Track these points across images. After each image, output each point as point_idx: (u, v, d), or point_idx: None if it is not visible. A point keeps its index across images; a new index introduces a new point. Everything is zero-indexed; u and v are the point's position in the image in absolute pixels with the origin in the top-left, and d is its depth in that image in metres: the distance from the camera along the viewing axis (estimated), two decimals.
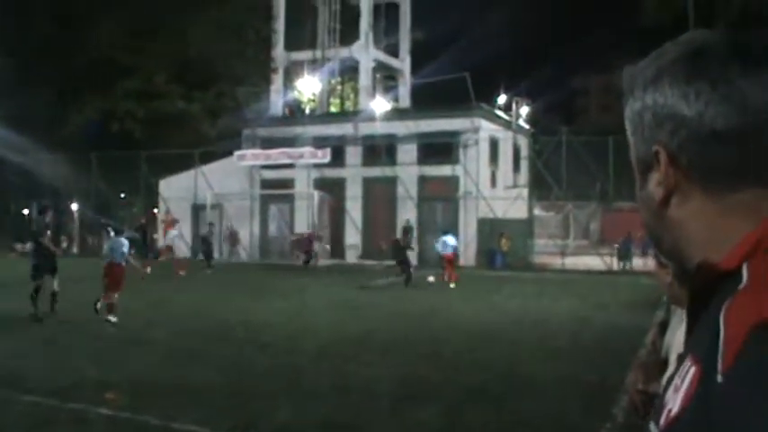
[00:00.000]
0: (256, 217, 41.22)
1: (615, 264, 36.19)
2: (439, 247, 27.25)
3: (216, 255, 34.44)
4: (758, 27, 1.01)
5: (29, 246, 22.02)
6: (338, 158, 38.53)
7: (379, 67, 45.77)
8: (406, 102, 46.78)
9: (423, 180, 37.86)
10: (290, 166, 39.34)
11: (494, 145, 39.45)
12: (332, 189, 39.12)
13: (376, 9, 44.44)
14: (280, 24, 45.23)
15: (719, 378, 0.82)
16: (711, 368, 0.83)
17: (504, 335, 15.28)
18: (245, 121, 42.93)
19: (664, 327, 3.52)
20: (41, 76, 42.42)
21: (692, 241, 0.98)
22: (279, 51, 45.42)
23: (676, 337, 3.09)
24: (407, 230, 29.77)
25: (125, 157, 42.30)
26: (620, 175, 35.79)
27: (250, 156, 40.30)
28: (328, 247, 37.97)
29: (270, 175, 40.57)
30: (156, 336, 14.65)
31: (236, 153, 40.50)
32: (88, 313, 16.87)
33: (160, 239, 43.14)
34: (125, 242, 17.73)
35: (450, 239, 27.33)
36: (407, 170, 37.84)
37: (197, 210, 42.00)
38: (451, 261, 26.87)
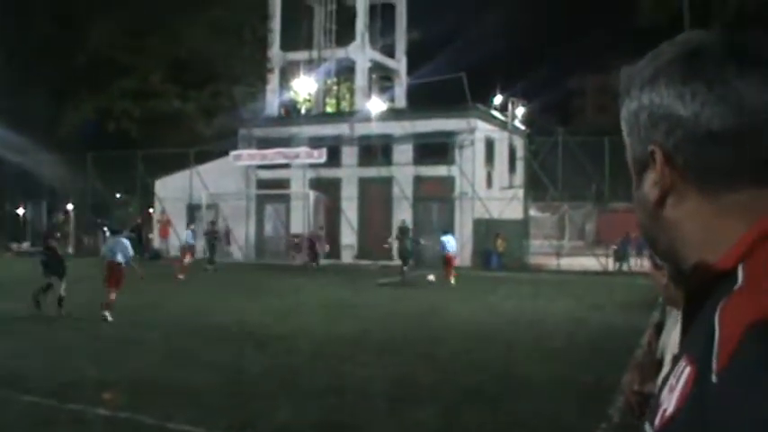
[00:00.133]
0: (252, 217, 41.20)
1: (611, 264, 36.20)
2: (448, 246, 27.58)
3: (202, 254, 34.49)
4: (754, 28, 1.01)
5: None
6: (334, 159, 38.52)
7: (375, 67, 45.80)
8: (401, 102, 46.80)
9: (418, 180, 37.87)
10: (286, 166, 39.34)
11: (489, 145, 39.47)
12: (328, 189, 39.11)
13: (372, 9, 44.46)
14: (276, 24, 45.23)
15: (714, 378, 0.82)
16: (706, 368, 0.84)
17: (500, 335, 15.28)
18: (240, 120, 42.92)
19: (659, 328, 3.52)
20: (37, 75, 42.37)
21: (687, 242, 0.98)
22: (275, 51, 45.42)
23: (672, 338, 3.09)
24: (404, 231, 29.86)
25: (121, 157, 42.26)
26: (615, 176, 35.79)
27: (246, 156, 40.29)
28: (327, 247, 37.96)
29: (266, 175, 40.55)
30: (153, 336, 14.64)
31: (232, 153, 40.49)
32: (86, 313, 16.88)
33: (155, 239, 43.19)
34: (126, 242, 17.90)
35: (451, 240, 27.90)
36: (403, 170, 37.86)
37: (192, 210, 41.95)
38: (451, 260, 27.30)
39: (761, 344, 0.80)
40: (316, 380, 10.74)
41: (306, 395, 9.83)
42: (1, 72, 40.08)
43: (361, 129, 38.60)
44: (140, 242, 35.72)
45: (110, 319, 16.32)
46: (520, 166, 43.30)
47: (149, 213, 45.65)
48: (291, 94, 48.53)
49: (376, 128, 37.92)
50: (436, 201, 37.54)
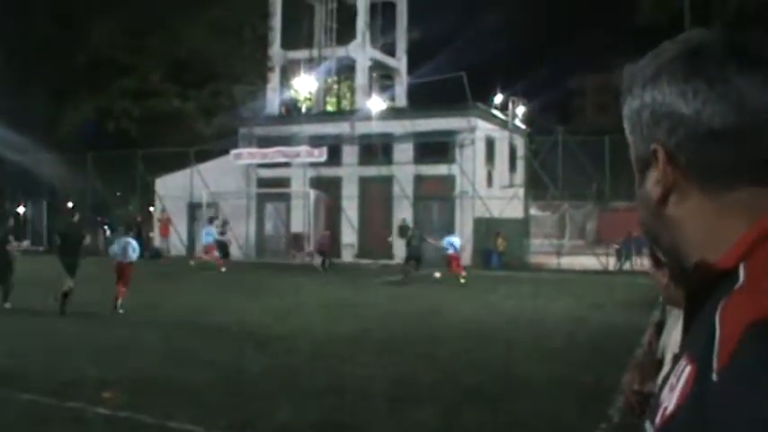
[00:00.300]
0: (252, 216, 41.19)
1: (611, 263, 36.19)
2: (455, 244, 28.04)
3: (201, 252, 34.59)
4: (754, 27, 1.01)
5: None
6: (334, 157, 38.50)
7: (376, 66, 45.76)
8: (402, 101, 46.76)
9: (419, 179, 37.85)
10: (287, 164, 39.32)
11: (490, 144, 39.47)
12: (328, 188, 39.10)
13: (372, 8, 44.41)
14: (276, 23, 45.19)
15: (715, 377, 0.82)
16: (707, 367, 0.84)
17: (501, 335, 15.29)
18: (241, 119, 42.90)
19: (660, 327, 3.52)
20: (37, 75, 42.37)
21: (689, 240, 0.98)
22: (275, 50, 45.38)
23: (672, 337, 3.09)
24: (404, 230, 30.05)
25: (121, 156, 42.27)
26: (616, 175, 35.77)
27: (246, 154, 40.28)
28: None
29: (266, 173, 40.55)
30: (153, 335, 14.65)
31: (233, 152, 40.48)
32: (86, 312, 16.90)
33: (156, 238, 43.18)
34: (133, 241, 18.59)
35: (455, 239, 28.40)
36: (404, 169, 37.85)
37: (193, 208, 42.00)
38: (457, 259, 27.74)
39: (761, 343, 0.80)
40: (316, 379, 10.75)
41: (306, 395, 9.84)
42: (1, 72, 40.07)
43: (361, 127, 38.59)
44: (140, 241, 35.71)
45: (121, 311, 17.32)
46: (520, 165, 43.29)
47: (149, 212, 45.64)
48: (292, 93, 48.50)
49: (376, 127, 37.90)
50: (437, 200, 37.53)
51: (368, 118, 38.34)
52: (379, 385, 10.41)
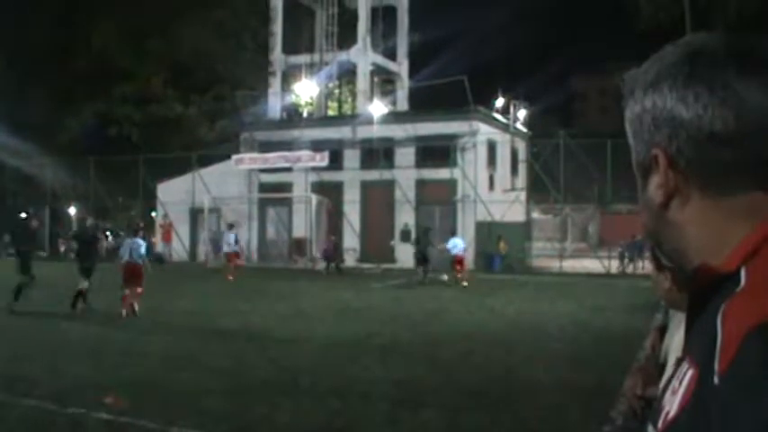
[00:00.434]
0: (254, 220, 41.22)
1: (614, 267, 36.19)
2: (458, 247, 28.76)
3: (202, 257, 34.72)
4: (754, 30, 1.01)
5: (74, 245, 22.73)
6: (336, 162, 38.55)
7: (377, 70, 45.79)
8: (403, 105, 46.80)
9: (421, 183, 37.88)
10: (288, 169, 39.34)
11: (491, 148, 39.48)
12: (330, 192, 39.13)
13: (373, 12, 44.46)
14: (277, 28, 45.25)
15: (716, 380, 0.82)
16: (708, 370, 0.84)
17: (502, 338, 15.28)
18: (242, 124, 42.96)
19: (663, 330, 3.51)
20: (39, 80, 42.44)
21: (691, 244, 0.99)
22: (277, 55, 45.44)
23: (675, 341, 3.09)
24: (424, 235, 30.81)
25: (123, 161, 42.33)
26: (617, 178, 35.78)
27: (248, 159, 40.31)
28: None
29: (268, 178, 40.58)
30: (156, 339, 14.65)
31: (234, 157, 40.52)
32: (88, 317, 16.91)
33: (158, 244, 43.19)
34: (142, 243, 19.06)
35: (459, 242, 29.03)
36: (405, 173, 37.87)
37: (195, 213, 42.04)
38: (462, 262, 28.48)
39: (762, 346, 0.80)
40: (318, 383, 10.74)
41: (308, 399, 9.83)
42: (2, 77, 40.12)
43: (362, 132, 38.62)
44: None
45: (137, 308, 17.87)
46: (522, 168, 43.33)
47: (152, 217, 45.69)
48: (293, 98, 48.53)
49: (378, 131, 37.91)
50: (438, 204, 37.52)
51: (369, 122, 38.36)
52: (382, 388, 10.40)
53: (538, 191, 42.99)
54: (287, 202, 40.59)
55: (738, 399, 0.79)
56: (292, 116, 46.74)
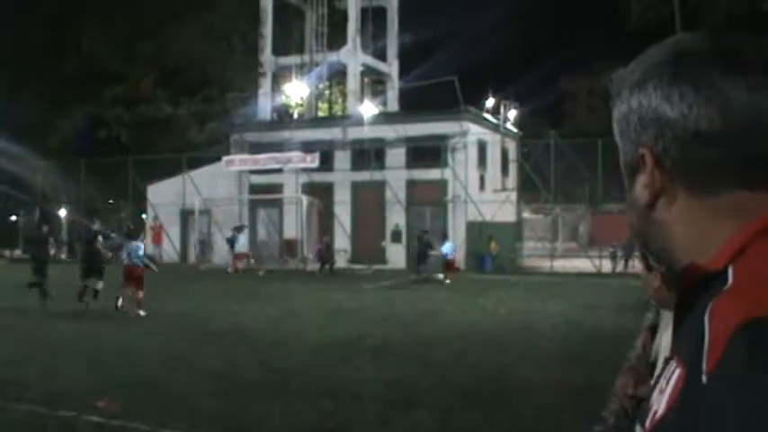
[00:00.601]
0: (245, 222, 41.14)
1: (604, 266, 36.23)
2: (451, 249, 31.11)
3: (193, 259, 34.87)
4: (743, 30, 1.02)
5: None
6: (326, 163, 38.52)
7: (367, 71, 45.77)
8: (394, 106, 46.79)
9: (411, 184, 37.87)
10: (279, 170, 39.29)
11: (482, 148, 39.49)
12: (320, 193, 39.10)
13: (363, 13, 44.44)
14: (267, 29, 45.20)
15: (704, 379, 0.82)
16: (696, 369, 0.84)
17: (494, 338, 15.30)
18: (233, 125, 42.88)
19: (653, 330, 3.52)
20: (29, 82, 42.32)
21: (678, 244, 0.99)
22: (266, 56, 45.40)
23: (664, 340, 3.10)
24: (422, 238, 31.82)
25: (113, 163, 42.22)
26: (608, 178, 35.85)
27: (238, 161, 40.24)
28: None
29: (258, 179, 40.53)
30: (148, 341, 14.61)
31: (225, 158, 40.46)
32: (80, 320, 16.89)
33: (148, 246, 43.06)
34: (141, 246, 19.77)
35: (450, 244, 31.40)
36: (396, 174, 37.86)
37: (185, 215, 41.97)
38: (452, 263, 30.79)
39: (749, 345, 0.80)
40: (310, 384, 10.74)
41: (300, 400, 9.83)
42: None
43: (353, 133, 38.59)
44: None
45: (143, 314, 18.11)
46: (512, 168, 43.37)
47: (142, 219, 45.58)
48: (283, 99, 48.49)
49: (368, 132, 37.89)
50: (429, 204, 37.52)
51: (360, 123, 38.33)
52: (374, 389, 10.40)
53: (528, 191, 43.05)
54: (278, 204, 40.53)
55: (726, 398, 0.79)
56: (283, 117, 46.69)
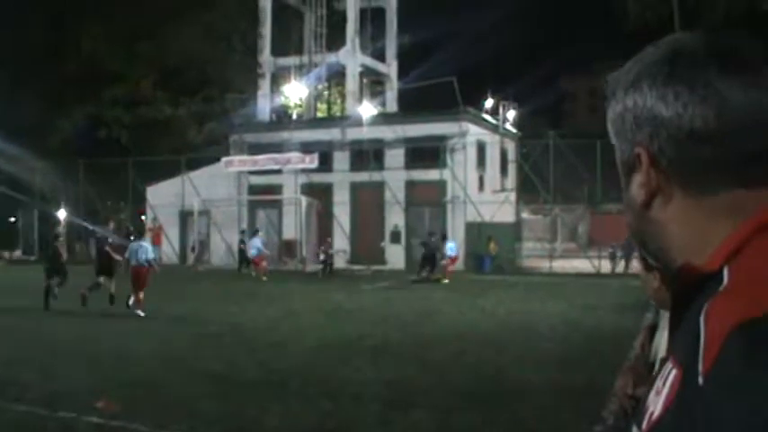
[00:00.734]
0: (244, 223, 41.13)
1: (604, 266, 36.23)
2: (452, 251, 31.52)
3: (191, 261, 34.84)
4: (741, 29, 1.02)
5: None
6: (325, 163, 38.52)
7: (366, 71, 45.78)
8: (393, 106, 46.79)
9: (410, 184, 37.88)
10: (278, 171, 39.29)
11: (481, 149, 39.51)
12: (319, 194, 39.10)
13: (362, 14, 44.44)
14: (266, 30, 45.20)
15: (700, 380, 0.82)
16: (692, 371, 0.84)
17: (493, 338, 15.30)
18: (232, 126, 42.88)
19: (653, 330, 3.51)
20: (29, 83, 42.28)
21: (674, 243, 0.99)
22: (266, 57, 45.40)
23: (663, 341, 3.09)
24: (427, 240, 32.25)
25: (112, 164, 42.20)
26: (607, 178, 35.83)
27: (237, 162, 40.24)
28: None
29: (257, 180, 40.53)
30: (147, 342, 14.60)
31: (224, 159, 40.45)
32: (79, 321, 16.89)
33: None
34: (147, 247, 20.10)
35: (451, 245, 31.70)
36: (395, 175, 37.86)
37: (184, 216, 41.95)
38: (451, 263, 31.17)
39: (745, 345, 0.80)
40: (310, 385, 10.74)
41: (299, 400, 9.82)
42: None
43: (352, 133, 38.59)
44: None
45: (142, 314, 18.28)
46: (511, 169, 43.39)
47: (141, 220, 45.55)
48: (282, 100, 48.48)
49: (367, 132, 37.90)
50: (428, 205, 37.54)
51: (359, 124, 38.34)
52: (373, 389, 10.40)
53: (527, 191, 43.05)
54: (277, 205, 40.53)
55: (722, 399, 0.79)
56: (281, 118, 46.70)
